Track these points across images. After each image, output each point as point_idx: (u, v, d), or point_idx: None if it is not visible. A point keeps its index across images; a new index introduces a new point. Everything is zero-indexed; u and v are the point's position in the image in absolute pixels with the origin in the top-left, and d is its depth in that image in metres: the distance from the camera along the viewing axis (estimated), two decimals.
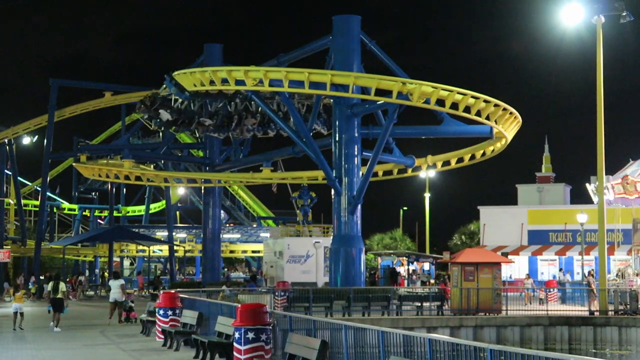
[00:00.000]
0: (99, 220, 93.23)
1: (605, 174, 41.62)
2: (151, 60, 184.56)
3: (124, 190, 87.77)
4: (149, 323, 29.28)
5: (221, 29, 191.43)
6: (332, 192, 45.60)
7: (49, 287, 33.09)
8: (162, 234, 77.31)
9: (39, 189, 75.88)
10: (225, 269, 74.18)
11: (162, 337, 26.11)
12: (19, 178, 77.94)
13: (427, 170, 56.16)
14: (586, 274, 47.46)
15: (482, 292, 37.61)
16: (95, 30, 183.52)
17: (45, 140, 68.49)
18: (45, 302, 44.17)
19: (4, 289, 60.43)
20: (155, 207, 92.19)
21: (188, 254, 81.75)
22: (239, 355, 18.38)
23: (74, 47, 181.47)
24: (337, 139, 45.56)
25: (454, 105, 40.96)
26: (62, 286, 32.50)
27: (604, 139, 39.00)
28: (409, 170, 53.30)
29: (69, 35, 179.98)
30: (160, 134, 69.83)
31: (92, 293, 63.71)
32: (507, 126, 44.96)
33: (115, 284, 35.25)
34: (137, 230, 75.62)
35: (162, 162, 69.63)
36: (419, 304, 38.67)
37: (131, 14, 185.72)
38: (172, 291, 29.57)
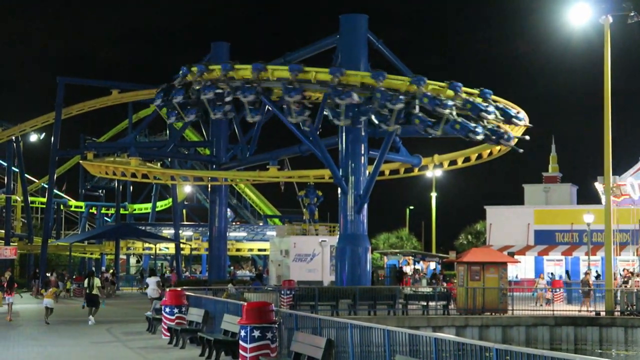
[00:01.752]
0: (105, 218, 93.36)
1: (612, 174, 41.55)
2: (157, 59, 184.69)
3: (131, 188, 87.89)
4: (155, 321, 29.35)
5: (228, 28, 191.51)
6: (339, 191, 45.60)
7: (85, 283, 34.79)
8: (168, 231, 77.41)
9: (46, 186, 76.02)
10: (232, 267, 74.26)
11: (168, 334, 26.16)
12: (25, 175, 78.09)
13: (434, 170, 56.08)
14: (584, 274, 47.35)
15: (488, 292, 37.58)
16: (100, 29, 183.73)
17: (52, 138, 68.60)
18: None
19: (32, 285, 60.95)
20: (161, 205, 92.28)
21: (194, 252, 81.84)
22: (244, 354, 18.41)
23: (79, 45, 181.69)
24: (343, 137, 45.56)
25: None
26: (97, 282, 34.32)
27: (611, 139, 38.93)
28: (416, 169, 53.23)
29: (74, 33, 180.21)
30: (168, 131, 69.93)
31: (129, 290, 64.08)
32: (514, 126, 44.87)
33: (151, 281, 36.62)
34: (143, 228, 75.76)
35: (169, 160, 69.63)
36: (425, 304, 38.67)
37: (137, 12, 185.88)
38: (178, 289, 29.64)
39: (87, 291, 33.86)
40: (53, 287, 40.24)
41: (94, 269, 69.66)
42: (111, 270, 72.61)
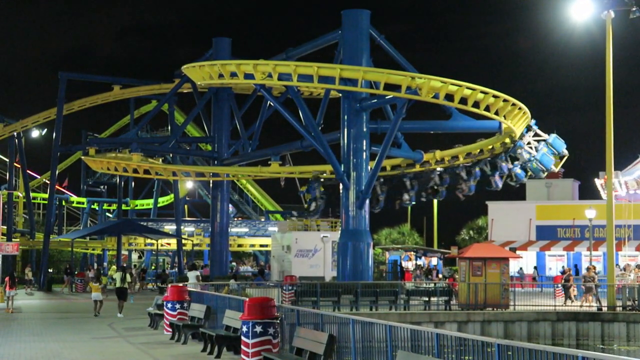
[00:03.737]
0: (107, 214, 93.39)
1: (614, 170, 41.55)
2: (159, 54, 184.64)
3: (132, 183, 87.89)
4: (157, 316, 29.35)
5: (229, 23, 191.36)
6: (341, 186, 45.59)
7: (117, 277, 36.35)
8: (170, 227, 77.41)
9: (48, 182, 76.01)
10: (233, 263, 74.30)
11: (170, 330, 26.18)
12: (27, 171, 78.08)
13: (436, 166, 56.01)
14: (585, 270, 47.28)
15: (490, 287, 37.58)
16: (101, 24, 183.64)
17: (54, 134, 68.59)
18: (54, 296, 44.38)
19: (65, 280, 61.40)
20: (163, 200, 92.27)
21: (196, 248, 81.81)
22: (246, 349, 18.41)
23: (80, 40, 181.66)
24: (345, 133, 45.55)
25: (463, 100, 40.92)
26: (128, 277, 36.35)
27: (613, 135, 38.90)
28: (417, 165, 53.21)
29: (75, 28, 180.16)
30: (169, 127, 69.92)
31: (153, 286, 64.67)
32: (516, 121, 44.86)
33: (191, 275, 37.93)
34: (145, 223, 75.73)
35: (171, 155, 69.66)
36: (427, 299, 38.68)
37: (137, 8, 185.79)
38: (180, 285, 29.64)
39: (119, 284, 35.50)
40: (97, 283, 41.35)
41: (124, 264, 69.71)
42: (138, 266, 73.18)
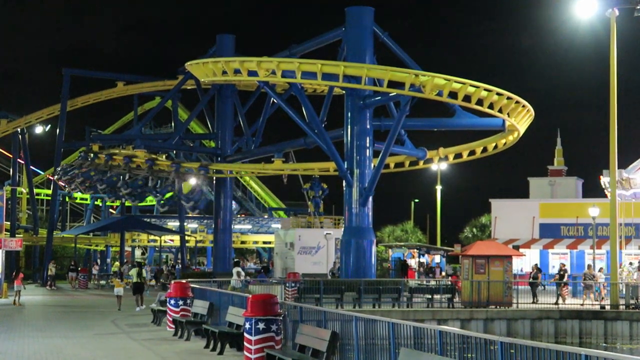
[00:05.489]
0: (110, 210, 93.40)
1: (618, 168, 41.50)
2: (161, 51, 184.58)
3: None
4: (160, 313, 29.38)
5: (233, 20, 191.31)
6: (344, 183, 45.59)
7: (134, 273, 37.86)
8: (173, 224, 77.44)
9: (51, 178, 76.08)
10: (237, 260, 74.38)
11: (173, 326, 26.20)
12: (31, 167, 78.13)
13: (439, 163, 56.04)
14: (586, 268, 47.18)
15: (493, 285, 37.56)
16: (104, 21, 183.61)
17: (57, 130, 68.64)
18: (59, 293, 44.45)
19: (70, 277, 61.87)
20: (166, 197, 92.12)
21: (199, 245, 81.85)
22: (249, 346, 18.42)
23: (84, 37, 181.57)
24: (349, 130, 45.54)
25: (467, 98, 40.93)
26: (144, 273, 38.28)
27: (617, 133, 38.85)
28: (421, 162, 53.20)
29: (79, 25, 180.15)
30: (173, 124, 69.95)
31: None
32: (520, 119, 44.87)
33: (234, 271, 39.23)
34: (148, 220, 75.75)
35: (174, 152, 69.72)
36: (430, 296, 38.68)
37: (140, 4, 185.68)
38: (183, 281, 29.66)
39: (135, 280, 36.84)
40: (124, 279, 42.16)
41: (140, 261, 69.93)
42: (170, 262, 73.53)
